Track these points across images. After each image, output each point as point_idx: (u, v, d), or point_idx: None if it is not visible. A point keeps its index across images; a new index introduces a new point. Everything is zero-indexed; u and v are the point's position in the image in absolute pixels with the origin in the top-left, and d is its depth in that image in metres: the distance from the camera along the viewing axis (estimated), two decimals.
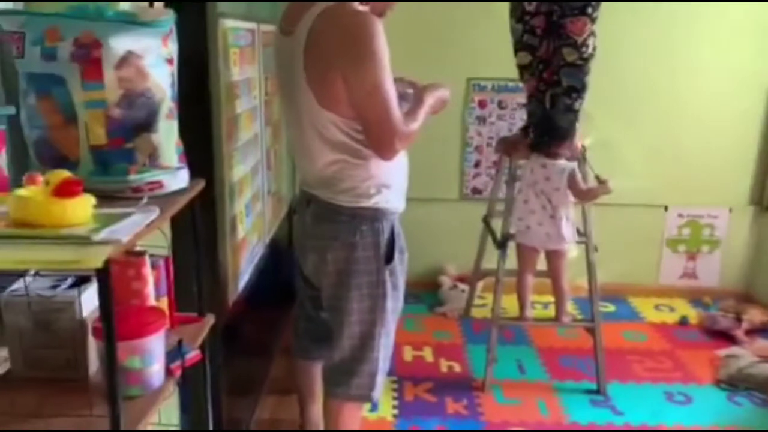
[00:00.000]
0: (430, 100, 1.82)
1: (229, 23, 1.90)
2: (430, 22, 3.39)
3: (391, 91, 1.61)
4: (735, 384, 2.79)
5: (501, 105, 3.49)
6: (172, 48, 1.31)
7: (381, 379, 1.86)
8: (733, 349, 3.06)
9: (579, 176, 2.58)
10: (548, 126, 2.60)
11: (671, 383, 2.82)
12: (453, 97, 3.40)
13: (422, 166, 3.52)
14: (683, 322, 3.40)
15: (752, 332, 3.23)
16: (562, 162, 2.59)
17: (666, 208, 3.65)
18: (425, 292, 3.66)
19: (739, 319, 3.27)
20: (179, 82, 1.53)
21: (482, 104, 3.50)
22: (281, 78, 1.84)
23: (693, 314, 3.47)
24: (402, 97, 1.73)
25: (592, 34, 2.62)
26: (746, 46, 3.41)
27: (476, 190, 3.61)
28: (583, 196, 2.58)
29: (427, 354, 3.04)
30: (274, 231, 2.73)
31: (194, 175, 1.55)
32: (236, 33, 2.00)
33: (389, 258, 1.78)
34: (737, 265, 3.70)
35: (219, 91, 1.79)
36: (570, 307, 3.41)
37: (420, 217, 3.62)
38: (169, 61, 1.30)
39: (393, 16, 3.35)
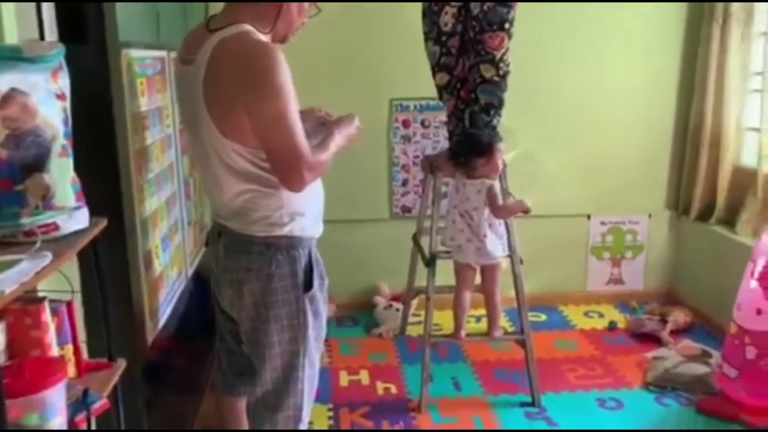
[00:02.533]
0: (340, 131, 1.81)
1: (134, 53, 1.84)
2: (351, 44, 3.40)
3: (295, 121, 1.57)
4: (662, 385, 2.87)
5: (424, 124, 3.52)
6: (62, 83, 1.25)
7: (307, 410, 1.82)
8: (660, 351, 3.15)
9: (497, 193, 2.61)
10: (468, 145, 2.62)
11: (603, 389, 2.87)
12: (377, 118, 3.52)
13: (351, 187, 3.55)
14: (612, 327, 3.49)
15: (677, 333, 3.35)
16: (479, 180, 2.62)
17: (589, 217, 3.75)
18: (361, 313, 3.64)
19: (664, 321, 3.38)
20: (80, 116, 1.47)
21: (406, 124, 3.52)
22: (183, 108, 1.79)
23: (621, 319, 3.56)
24: (311, 134, 1.70)
25: (508, 50, 2.68)
26: (653, 52, 3.56)
27: (405, 209, 3.61)
28: (500, 213, 2.62)
29: (364, 377, 3.00)
30: (198, 261, 2.66)
31: (101, 211, 1.49)
32: (142, 62, 1.94)
33: (308, 286, 1.74)
34: (660, 267, 3.84)
35: (124, 123, 1.73)
36: (503, 320, 3.46)
37: (351, 239, 3.61)
38: (60, 97, 1.24)
39: (314, 40, 3.37)
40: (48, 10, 1.48)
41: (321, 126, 1.86)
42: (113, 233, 1.68)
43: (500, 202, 2.61)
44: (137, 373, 1.83)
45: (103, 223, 1.37)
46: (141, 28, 2.08)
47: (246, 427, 1.89)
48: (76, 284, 1.59)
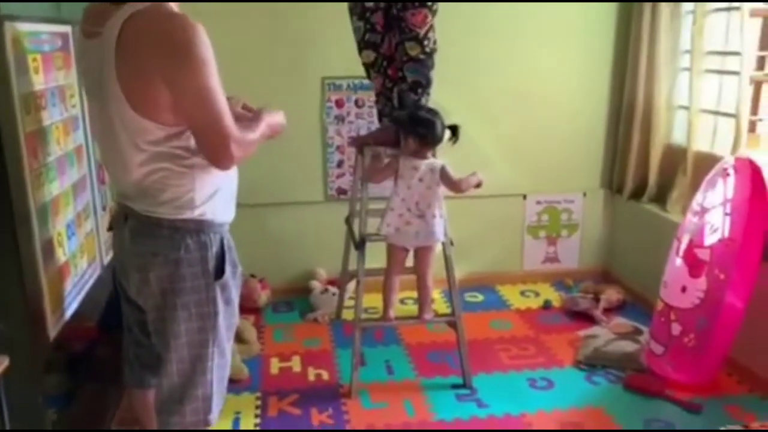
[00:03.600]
0: (267, 119, 1.74)
1: (23, 27, 1.71)
2: (282, 22, 3.29)
3: (220, 95, 1.50)
4: (593, 363, 2.89)
5: (358, 103, 3.45)
6: None
7: (218, 400, 1.75)
8: (593, 329, 3.19)
9: (450, 170, 2.58)
10: (416, 126, 2.54)
11: (535, 369, 2.88)
12: (309, 97, 3.42)
13: (284, 169, 3.46)
14: (547, 305, 3.51)
15: (610, 311, 3.38)
16: (430, 160, 2.57)
17: (525, 197, 3.75)
18: (297, 298, 3.56)
19: (597, 299, 3.41)
20: None
21: (339, 103, 3.44)
22: (87, 84, 1.68)
23: (556, 297, 3.59)
24: (237, 118, 1.62)
25: (432, 27, 2.62)
26: (587, 30, 3.55)
27: (341, 191, 3.54)
28: (458, 187, 2.58)
29: (295, 364, 2.94)
30: None
31: None
32: (35, 37, 1.80)
33: (219, 273, 1.67)
34: (595, 246, 3.87)
35: (11, 103, 1.60)
36: (440, 301, 3.45)
37: (286, 222, 3.54)
38: None
39: (242, 16, 3.24)
40: None
41: (243, 112, 1.78)
42: (1, 223, 1.58)
43: (455, 178, 2.58)
44: (36, 369, 1.73)
45: None
46: (36, 4, 1.94)
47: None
48: None
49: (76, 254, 2.07)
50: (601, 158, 3.75)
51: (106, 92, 1.53)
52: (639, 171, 3.53)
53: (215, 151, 1.53)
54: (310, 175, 3.52)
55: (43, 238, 1.78)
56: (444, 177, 2.55)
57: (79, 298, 2.09)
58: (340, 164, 3.52)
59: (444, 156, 2.90)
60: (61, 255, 1.93)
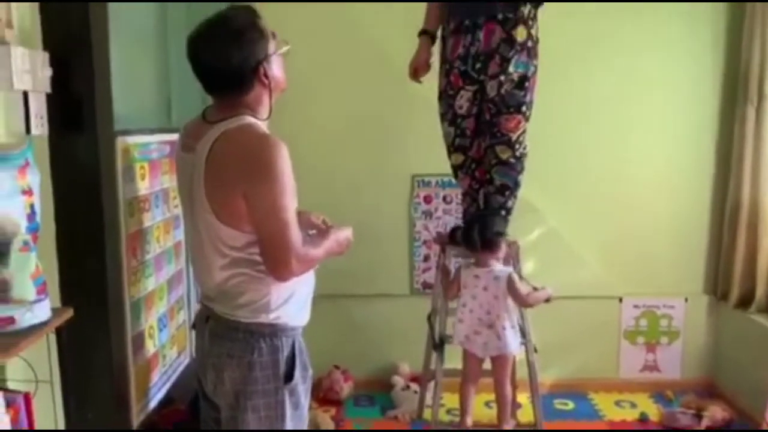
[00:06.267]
0: (334, 236, 1.83)
1: (133, 140, 1.90)
2: (373, 120, 3.44)
3: (290, 212, 1.61)
4: None
5: (446, 200, 3.49)
6: (30, 179, 1.29)
7: None
8: None
9: (517, 281, 2.52)
10: (478, 230, 2.55)
11: None
12: (399, 193, 3.52)
13: (371, 261, 3.53)
14: (643, 419, 3.27)
15: (713, 429, 3.11)
16: (497, 268, 2.54)
17: (621, 300, 3.59)
18: (379, 393, 3.53)
19: (700, 416, 3.15)
20: (70, 202, 1.53)
21: (427, 199, 3.50)
22: (182, 193, 1.83)
23: (654, 410, 3.35)
24: (311, 227, 1.73)
25: (525, 132, 2.64)
26: (688, 130, 3.45)
27: (427, 285, 3.54)
28: (524, 302, 2.52)
29: None
30: None
31: (85, 296, 1.53)
32: (145, 147, 2.00)
33: (289, 377, 1.71)
34: (698, 356, 3.60)
35: (115, 209, 1.77)
36: (526, 406, 3.30)
37: (371, 314, 3.57)
38: (27, 192, 1.28)
39: (337, 116, 3.43)
40: (39, 101, 1.53)
41: (309, 232, 1.88)
42: (96, 317, 1.71)
43: (523, 291, 2.51)
44: None
45: (68, 313, 1.39)
46: (150, 113, 2.16)
47: None
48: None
49: (165, 345, 2.20)
50: (704, 262, 3.55)
51: (195, 201, 1.66)
52: (746, 278, 3.30)
53: (276, 263, 1.61)
54: (397, 268, 3.56)
55: (134, 332, 1.91)
56: (510, 287, 2.49)
57: (167, 387, 2.20)
58: (426, 258, 3.55)
59: (533, 254, 2.87)
60: (151, 347, 2.06)
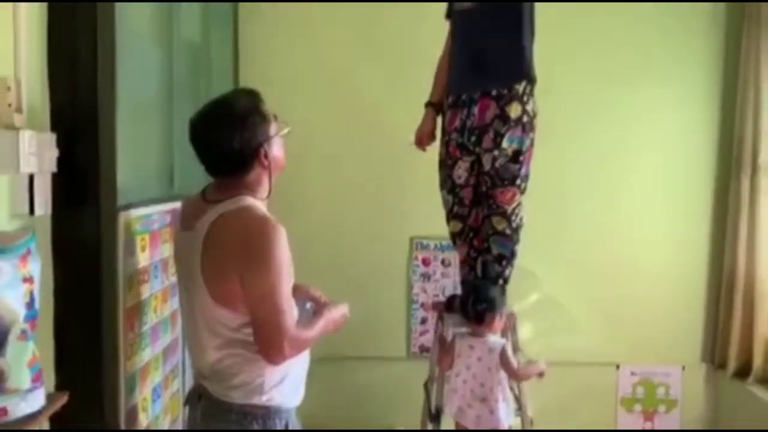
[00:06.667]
0: (329, 315, 1.84)
1: (135, 213, 1.92)
2: (372, 182, 3.48)
3: (285, 297, 1.63)
4: None
5: (444, 263, 3.51)
6: (31, 267, 1.29)
7: None
8: None
9: (510, 356, 2.50)
10: (475, 300, 2.54)
11: None
12: (397, 255, 3.52)
13: (369, 323, 3.50)
14: None
15: None
16: (491, 339, 2.52)
17: (618, 366, 3.56)
18: None
19: None
20: (70, 278, 1.53)
21: (426, 262, 3.51)
22: (179, 270, 1.84)
23: None
24: (299, 310, 1.73)
25: (521, 205, 2.67)
26: (683, 198, 3.50)
27: (424, 348, 3.52)
28: (516, 376, 2.49)
29: None
30: None
31: (80, 375, 1.52)
32: (146, 219, 2.01)
33: None
34: (696, 425, 3.57)
35: (114, 286, 1.77)
36: None
37: (367, 376, 3.54)
38: (27, 280, 1.28)
39: (338, 179, 3.46)
40: (44, 182, 1.55)
41: (307, 306, 1.88)
42: (90, 397, 1.69)
43: (515, 365, 2.49)
44: None
45: (62, 400, 1.38)
46: (153, 182, 2.18)
47: None
48: None
49: (159, 416, 2.17)
50: (701, 330, 3.55)
51: (191, 280, 1.67)
52: (743, 348, 3.29)
53: (269, 347, 1.62)
54: (394, 330, 3.55)
55: (128, 406, 1.89)
56: (502, 361, 2.46)
57: None
58: (423, 321, 3.54)
59: (529, 319, 2.86)
60: (144, 419, 2.03)
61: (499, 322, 2.54)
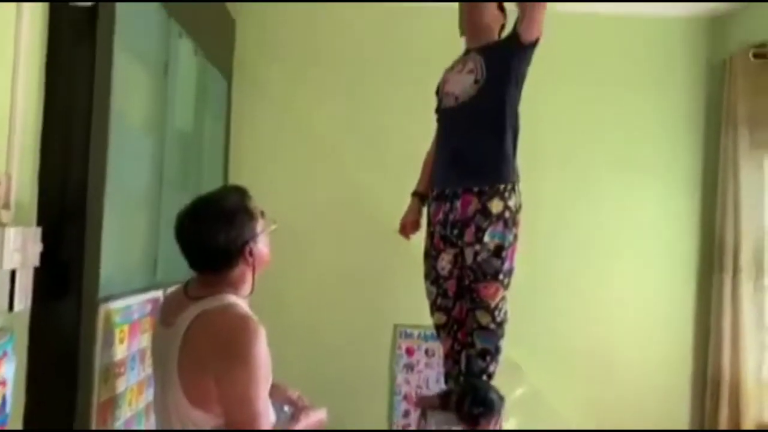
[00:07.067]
0: (306, 420, 1.82)
1: (115, 305, 1.89)
2: (356, 268, 3.48)
3: (261, 401, 1.60)
4: None
5: (428, 353, 3.46)
6: (5, 370, 1.27)
7: None
8: None
9: None
10: (473, 401, 2.50)
11: None
12: (380, 343, 3.48)
13: (347, 413, 3.41)
14: None
15: None
16: None
17: None
18: None
19: None
20: (46, 370, 1.49)
21: (410, 351, 3.47)
22: (155, 366, 1.81)
23: None
24: (276, 413, 1.70)
25: (504, 299, 2.66)
26: (665, 299, 3.52)
27: None
28: None
29: None
30: None
31: None
32: (127, 310, 1.99)
33: None
34: None
35: (90, 378, 1.73)
36: None
37: None
38: (1, 384, 1.25)
39: (322, 263, 3.46)
40: (26, 277, 1.53)
41: (285, 409, 1.85)
42: None
43: None
44: None
45: None
46: (135, 272, 2.16)
47: None
48: None
49: None
50: (688, 425, 3.49)
51: (167, 378, 1.64)
52: None
53: None
54: (375, 423, 3.46)
55: None
56: None
57: None
58: (406, 414, 3.45)
59: (515, 413, 2.80)
60: None
61: (494, 426, 2.49)
